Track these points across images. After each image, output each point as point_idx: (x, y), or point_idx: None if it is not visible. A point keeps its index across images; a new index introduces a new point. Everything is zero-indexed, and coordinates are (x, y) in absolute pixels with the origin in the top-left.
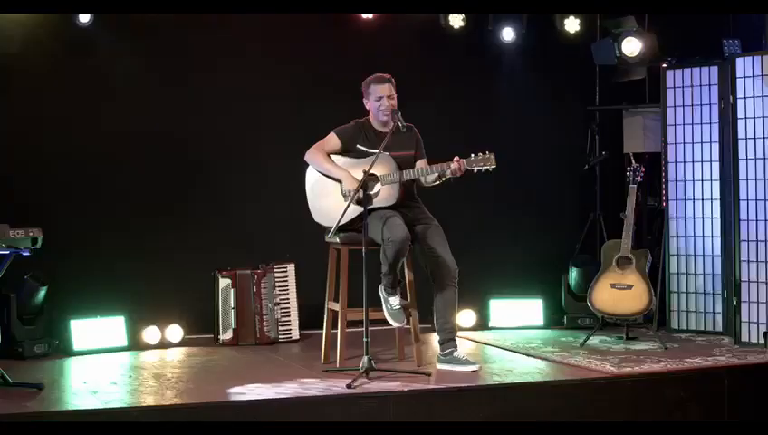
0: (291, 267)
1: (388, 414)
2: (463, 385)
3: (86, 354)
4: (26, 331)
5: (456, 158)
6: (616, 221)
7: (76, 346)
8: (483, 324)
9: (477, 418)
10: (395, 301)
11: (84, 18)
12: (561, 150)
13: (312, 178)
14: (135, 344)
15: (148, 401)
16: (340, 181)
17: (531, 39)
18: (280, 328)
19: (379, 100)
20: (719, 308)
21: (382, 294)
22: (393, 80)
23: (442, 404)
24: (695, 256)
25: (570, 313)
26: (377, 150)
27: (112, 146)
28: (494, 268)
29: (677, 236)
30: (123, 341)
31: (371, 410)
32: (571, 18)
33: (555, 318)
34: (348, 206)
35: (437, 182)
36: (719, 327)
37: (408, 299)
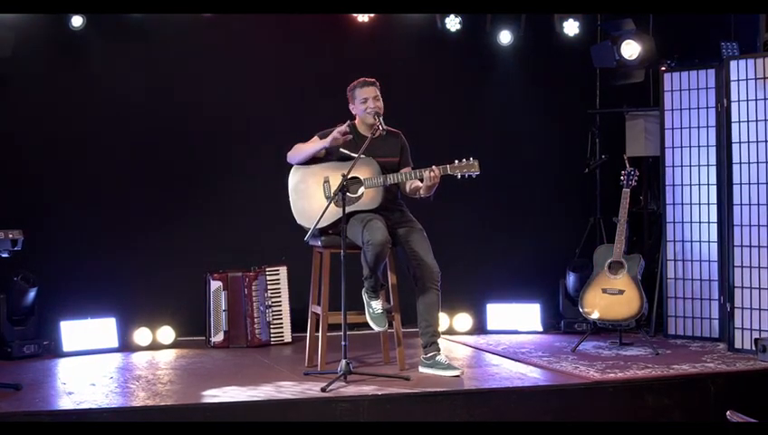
0: (283, 270)
1: (360, 418)
2: (438, 390)
3: (76, 356)
4: (16, 331)
5: (432, 166)
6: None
7: (66, 347)
8: (480, 328)
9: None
10: (377, 305)
11: (77, 22)
12: (561, 154)
13: (294, 179)
14: (126, 346)
15: (122, 402)
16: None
17: (529, 41)
18: (272, 331)
19: (365, 102)
20: (716, 314)
21: (365, 297)
22: (378, 83)
23: (416, 408)
24: (692, 261)
25: (567, 317)
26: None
27: (104, 148)
28: (492, 272)
29: (675, 241)
30: (114, 342)
31: (343, 413)
32: (570, 20)
33: (553, 323)
34: (327, 208)
35: (416, 195)
36: (716, 333)
37: (391, 303)
